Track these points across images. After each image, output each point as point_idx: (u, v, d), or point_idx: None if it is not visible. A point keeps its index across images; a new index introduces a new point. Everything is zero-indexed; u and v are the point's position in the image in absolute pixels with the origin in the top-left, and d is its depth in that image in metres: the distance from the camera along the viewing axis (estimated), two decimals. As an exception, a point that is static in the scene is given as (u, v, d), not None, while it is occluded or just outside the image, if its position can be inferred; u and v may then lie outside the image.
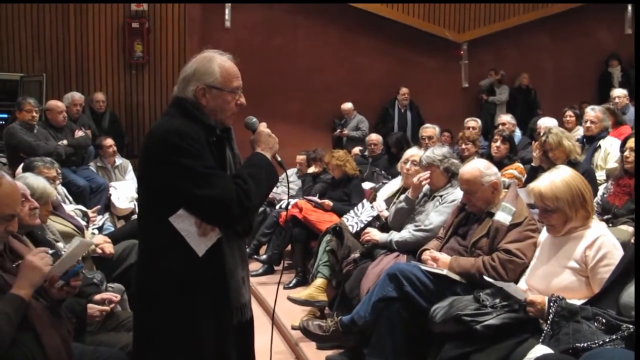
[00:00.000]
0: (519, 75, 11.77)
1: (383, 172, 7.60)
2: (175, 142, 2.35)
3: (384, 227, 4.94)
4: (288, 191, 3.02)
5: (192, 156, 2.34)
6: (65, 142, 7.52)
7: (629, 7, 12.27)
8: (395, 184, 5.59)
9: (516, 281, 3.51)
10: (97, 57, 10.32)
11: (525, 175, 5.96)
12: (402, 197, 4.85)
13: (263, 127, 2.62)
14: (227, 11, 10.90)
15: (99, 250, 4.53)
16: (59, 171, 5.63)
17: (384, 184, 6.24)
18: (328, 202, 6.58)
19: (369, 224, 5.10)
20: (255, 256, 6.93)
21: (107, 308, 3.41)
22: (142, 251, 2.57)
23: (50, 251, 2.70)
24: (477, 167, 3.96)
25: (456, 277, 3.72)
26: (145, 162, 2.47)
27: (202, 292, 2.42)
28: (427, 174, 4.66)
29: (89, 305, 3.35)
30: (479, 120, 8.41)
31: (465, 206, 4.06)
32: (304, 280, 6.18)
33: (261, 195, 2.50)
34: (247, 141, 2.63)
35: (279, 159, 2.63)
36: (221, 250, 2.46)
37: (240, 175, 2.44)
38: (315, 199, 6.70)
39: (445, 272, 3.73)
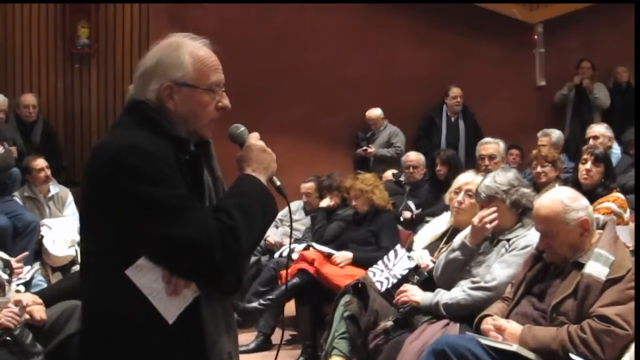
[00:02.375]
0: (613, 69, 11.72)
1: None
2: (131, 162, 2.33)
3: (427, 284, 4.92)
4: (291, 232, 2.98)
5: (156, 182, 2.33)
6: (-24, 164, 7.58)
7: None
8: (441, 223, 5.58)
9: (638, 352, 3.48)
10: (25, 45, 10.43)
11: (628, 210, 5.92)
12: (456, 242, 4.84)
13: (254, 138, 2.61)
14: (207, -20, 11.02)
15: (26, 316, 4.53)
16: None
17: (425, 222, 6.23)
18: (346, 255, 6.56)
19: (405, 280, 5.09)
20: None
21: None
22: (87, 317, 2.55)
23: None
24: (559, 199, 3.96)
25: (531, 355, 3.70)
26: (89, 190, 2.47)
27: (172, 375, 2.42)
28: (492, 211, 4.65)
29: None
30: (560, 133, 8.42)
31: (543, 254, 4.05)
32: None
33: (254, 235, 2.48)
34: (232, 159, 2.61)
35: (278, 182, 2.62)
36: (199, 315, 2.45)
37: (223, 208, 2.42)
38: (327, 249, 6.68)
39: (515, 347, 3.71)
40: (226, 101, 2.57)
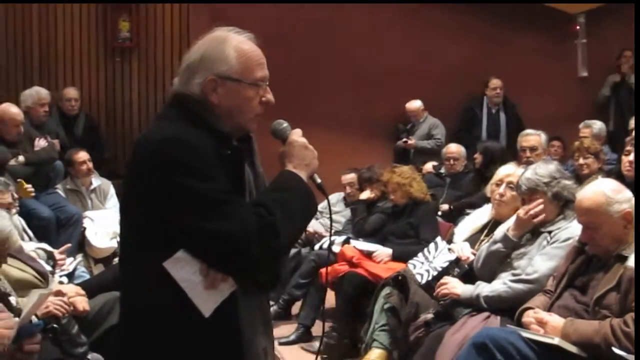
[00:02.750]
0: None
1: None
2: (173, 156, 2.35)
3: (468, 276, 4.91)
4: (331, 225, 2.99)
5: (198, 176, 2.34)
6: (21, 158, 7.66)
7: None
8: (481, 215, 5.56)
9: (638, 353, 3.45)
10: (67, 40, 10.52)
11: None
12: (498, 234, 4.81)
13: (297, 135, 2.62)
14: (247, -24, 11.04)
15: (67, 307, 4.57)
16: (16, 196, 5.73)
17: (466, 214, 6.21)
18: (386, 252, 6.55)
19: (445, 272, 5.08)
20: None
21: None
22: (126, 309, 2.57)
23: None
24: (602, 190, 3.94)
25: (572, 349, 3.69)
26: (132, 182, 2.49)
27: (208, 368, 2.44)
28: (539, 203, 4.61)
29: None
30: (602, 125, 8.33)
31: (586, 247, 4.02)
32: (353, 351, 6.16)
33: (293, 231, 2.49)
34: (274, 155, 2.63)
35: (319, 180, 2.62)
36: (235, 310, 2.46)
37: (263, 203, 2.42)
38: (366, 246, 6.66)
39: (556, 340, 3.70)
40: (270, 96, 2.57)
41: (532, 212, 4.60)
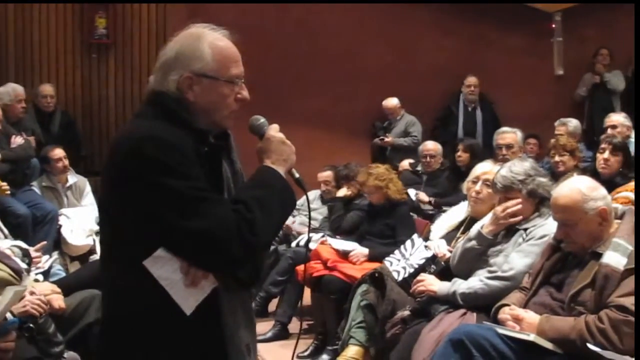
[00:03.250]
0: (632, 58, 11.63)
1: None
2: (151, 154, 2.34)
3: (445, 273, 4.92)
4: (309, 222, 2.99)
5: (176, 174, 2.34)
6: (-3, 154, 7.62)
7: None
8: (458, 212, 5.57)
9: (634, 351, 3.47)
10: (43, 36, 10.46)
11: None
12: (472, 231, 4.83)
13: (274, 130, 2.62)
14: (225, -29, 11.01)
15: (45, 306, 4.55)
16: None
17: (443, 211, 6.22)
18: (362, 252, 6.55)
19: (422, 269, 5.09)
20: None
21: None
22: (107, 307, 2.57)
23: None
24: (577, 188, 3.95)
25: (548, 345, 3.70)
26: (109, 181, 2.48)
27: (190, 365, 2.44)
28: (518, 202, 4.61)
29: None
30: (577, 123, 8.37)
31: (561, 244, 4.04)
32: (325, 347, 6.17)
33: (272, 228, 2.49)
34: (252, 151, 2.62)
35: (297, 175, 2.62)
36: (217, 307, 2.45)
37: (242, 199, 2.42)
38: (342, 245, 6.66)
39: (532, 337, 3.71)
40: (245, 93, 2.57)
41: (509, 210, 4.62)
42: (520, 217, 4.61)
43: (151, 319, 2.42)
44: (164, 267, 2.38)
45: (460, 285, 4.58)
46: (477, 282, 4.52)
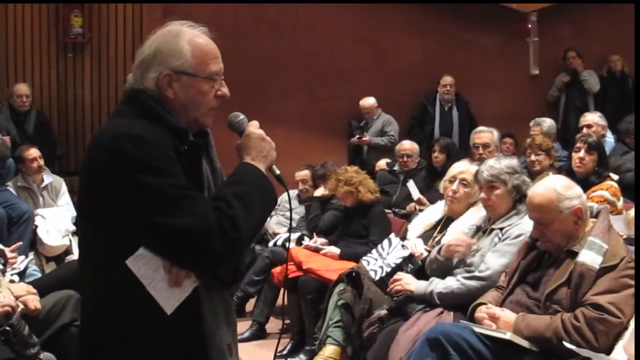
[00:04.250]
0: (608, 58, 11.73)
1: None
2: (130, 152, 2.33)
3: (421, 272, 4.94)
4: (291, 219, 2.99)
5: (155, 172, 2.33)
6: (-28, 154, 7.57)
7: None
8: (435, 212, 5.59)
9: (610, 349, 3.49)
10: (18, 35, 10.39)
11: (622, 199, 5.94)
12: (433, 252, 4.87)
13: (254, 127, 2.61)
14: (200, -30, 10.99)
15: (20, 305, 4.52)
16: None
17: (419, 211, 6.23)
18: (331, 251, 6.56)
19: (399, 268, 5.09)
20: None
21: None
22: (88, 307, 2.54)
23: None
24: (552, 187, 3.97)
25: (524, 343, 3.72)
26: (88, 181, 2.47)
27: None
28: (467, 242, 4.69)
29: None
30: (552, 122, 8.40)
31: (537, 243, 4.06)
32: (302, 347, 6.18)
33: (253, 224, 2.46)
34: (231, 149, 2.61)
35: (278, 171, 2.62)
36: (198, 306, 2.45)
37: (222, 197, 2.41)
38: (316, 243, 6.65)
39: (509, 335, 3.72)
40: (225, 89, 2.56)
41: (453, 247, 4.69)
42: (462, 254, 4.68)
43: (131, 319, 2.40)
44: (145, 266, 2.36)
45: (437, 285, 4.59)
46: (454, 281, 4.54)
